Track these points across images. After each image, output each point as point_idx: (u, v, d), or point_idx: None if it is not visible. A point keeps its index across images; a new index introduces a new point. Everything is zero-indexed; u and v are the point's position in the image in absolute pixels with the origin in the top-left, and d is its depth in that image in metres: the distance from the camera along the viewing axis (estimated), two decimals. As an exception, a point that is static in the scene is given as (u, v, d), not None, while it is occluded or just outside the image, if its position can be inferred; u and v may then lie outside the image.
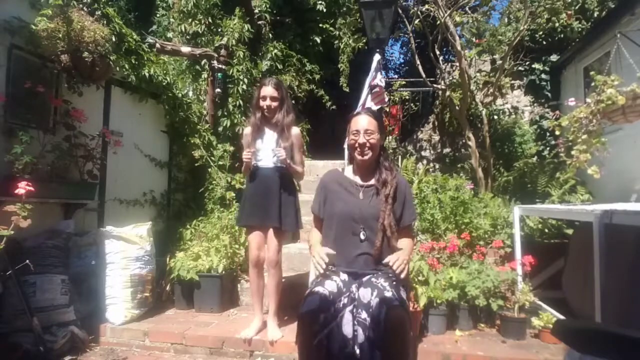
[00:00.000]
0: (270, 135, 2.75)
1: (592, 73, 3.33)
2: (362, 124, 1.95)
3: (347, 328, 1.67)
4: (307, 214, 4.46)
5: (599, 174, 3.13)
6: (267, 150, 2.72)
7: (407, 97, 6.81)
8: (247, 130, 2.81)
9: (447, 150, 6.45)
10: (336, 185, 2.03)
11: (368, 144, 1.93)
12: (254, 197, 2.71)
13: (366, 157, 1.95)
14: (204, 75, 4.93)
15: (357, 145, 1.95)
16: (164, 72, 3.96)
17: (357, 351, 1.63)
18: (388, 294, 1.68)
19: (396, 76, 10.95)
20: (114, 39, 3.18)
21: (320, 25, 5.59)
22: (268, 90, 2.70)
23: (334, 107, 5.46)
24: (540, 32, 5.80)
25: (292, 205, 2.74)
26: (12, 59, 2.71)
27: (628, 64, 3.31)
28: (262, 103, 2.71)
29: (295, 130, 2.80)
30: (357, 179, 2.02)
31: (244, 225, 2.88)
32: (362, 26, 4.98)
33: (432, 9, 5.08)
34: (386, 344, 1.60)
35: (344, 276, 1.86)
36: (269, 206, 2.67)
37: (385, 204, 1.89)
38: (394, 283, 1.78)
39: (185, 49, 4.47)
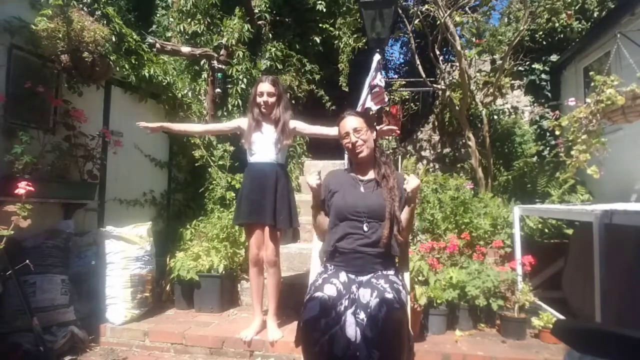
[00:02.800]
0: (268, 131, 2.72)
1: (591, 73, 3.34)
2: (349, 125, 2.01)
3: (350, 330, 1.66)
4: (307, 214, 4.47)
5: (598, 174, 3.14)
6: (264, 146, 2.70)
7: (407, 97, 6.81)
8: (243, 123, 2.79)
9: (447, 150, 6.45)
10: (339, 179, 2.07)
11: (360, 141, 1.99)
12: (250, 194, 2.68)
13: (363, 155, 2.01)
14: (204, 75, 4.94)
15: (350, 145, 2.01)
16: (164, 72, 3.96)
17: (357, 352, 1.63)
18: (389, 295, 1.68)
19: (396, 76, 10.96)
20: (114, 39, 3.18)
21: (320, 25, 5.59)
22: (265, 86, 2.68)
23: (333, 107, 5.45)
24: (540, 32, 5.80)
25: (286, 202, 2.70)
26: (12, 59, 2.71)
27: (628, 64, 3.31)
28: (259, 99, 2.69)
29: (293, 123, 2.76)
30: (358, 175, 2.06)
31: (241, 223, 2.87)
32: (362, 26, 4.98)
33: (432, 9, 5.08)
34: (382, 344, 1.60)
35: (344, 277, 1.86)
36: (265, 203, 2.64)
37: (390, 194, 1.91)
38: (395, 285, 1.78)
39: (185, 49, 4.47)
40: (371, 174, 2.04)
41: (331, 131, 2.60)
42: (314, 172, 1.99)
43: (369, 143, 2.02)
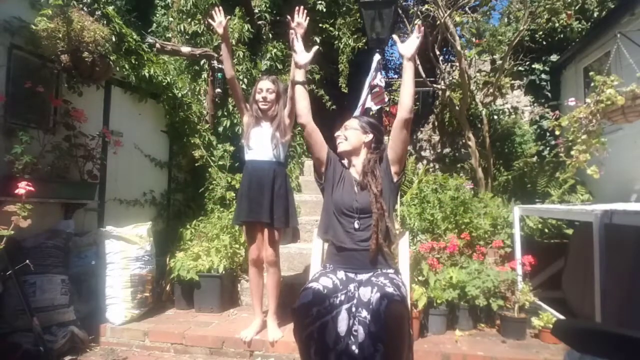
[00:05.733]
0: (266, 128, 2.73)
1: (591, 73, 3.34)
2: (346, 122, 2.14)
3: (342, 325, 1.68)
4: (307, 214, 4.49)
5: (598, 174, 3.14)
6: (261, 143, 2.71)
7: (407, 97, 6.78)
8: (246, 118, 2.81)
9: (447, 150, 6.46)
10: (342, 170, 2.12)
11: (343, 135, 2.08)
12: (249, 193, 2.69)
13: (340, 148, 2.09)
14: (204, 75, 4.94)
15: (337, 137, 2.11)
16: (164, 72, 3.96)
17: (356, 350, 1.64)
18: (389, 289, 1.70)
19: (396, 76, 10.94)
20: (114, 39, 3.17)
21: (320, 25, 5.59)
22: (265, 83, 2.72)
23: (334, 107, 5.46)
24: (540, 32, 5.81)
25: (283, 201, 2.70)
26: (12, 59, 2.70)
27: (628, 64, 3.31)
28: (258, 96, 2.71)
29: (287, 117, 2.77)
30: (354, 175, 2.10)
31: (241, 222, 2.87)
32: (362, 26, 4.98)
33: (432, 9, 5.08)
34: (386, 337, 1.62)
35: (342, 275, 1.89)
36: (262, 201, 2.65)
37: (372, 191, 1.94)
38: (395, 281, 1.80)
39: (185, 49, 4.47)
40: (362, 174, 2.08)
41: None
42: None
43: (351, 140, 2.07)
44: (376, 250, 1.90)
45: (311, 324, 1.66)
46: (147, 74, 3.69)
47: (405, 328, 1.70)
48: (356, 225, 1.95)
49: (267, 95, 2.69)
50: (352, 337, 1.67)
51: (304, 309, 1.67)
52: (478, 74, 6.13)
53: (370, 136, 2.08)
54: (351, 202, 1.97)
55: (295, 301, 1.74)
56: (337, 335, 1.66)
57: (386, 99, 4.71)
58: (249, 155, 2.76)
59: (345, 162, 2.18)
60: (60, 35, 2.64)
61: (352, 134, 2.08)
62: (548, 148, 5.48)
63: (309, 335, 1.66)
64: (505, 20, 6.43)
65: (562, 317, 2.89)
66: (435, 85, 5.86)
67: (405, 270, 2.14)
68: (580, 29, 5.65)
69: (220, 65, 4.60)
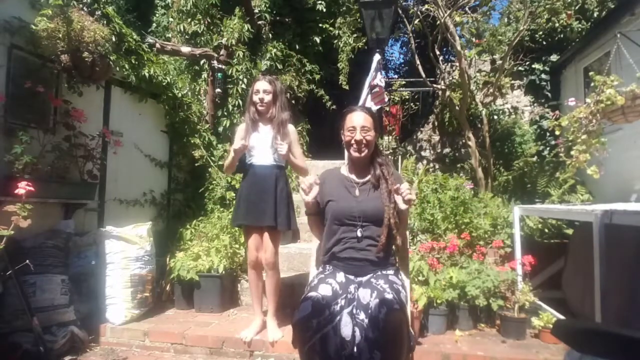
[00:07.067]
0: (265, 132, 2.70)
1: (591, 73, 3.34)
2: (358, 120, 1.92)
3: (346, 330, 1.65)
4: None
5: (598, 174, 3.14)
6: (262, 148, 2.69)
7: (407, 97, 6.81)
8: (242, 127, 2.77)
9: (447, 150, 6.45)
10: (334, 182, 2.01)
11: (364, 141, 1.91)
12: (249, 196, 2.67)
13: (362, 155, 1.93)
14: (204, 75, 4.94)
15: (353, 142, 1.93)
16: (164, 72, 3.96)
17: (355, 353, 1.63)
18: (388, 296, 1.67)
19: (396, 76, 10.95)
20: (114, 39, 3.17)
21: (320, 25, 5.59)
22: (261, 84, 2.67)
23: (334, 107, 5.46)
24: (540, 32, 5.80)
25: (285, 203, 2.69)
26: (12, 59, 2.70)
27: (628, 64, 3.31)
28: (255, 97, 2.67)
29: (291, 127, 2.76)
30: (353, 177, 2.01)
31: (240, 225, 2.86)
32: (362, 26, 4.98)
33: (432, 9, 5.08)
34: (384, 345, 1.60)
35: (341, 278, 1.85)
36: (264, 205, 2.63)
37: (389, 200, 1.86)
38: (394, 285, 1.78)
39: (185, 49, 4.47)
40: (367, 176, 1.98)
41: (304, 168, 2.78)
42: (310, 183, 1.89)
43: (372, 145, 1.95)
44: (379, 255, 1.86)
45: (312, 337, 1.62)
46: (147, 74, 3.69)
47: (404, 334, 1.67)
48: (359, 234, 1.87)
49: (265, 97, 2.65)
50: (354, 340, 1.65)
51: (304, 322, 1.62)
52: (478, 74, 6.12)
53: (376, 133, 1.99)
54: (350, 209, 1.89)
55: (295, 302, 1.72)
56: (341, 341, 1.63)
57: (386, 99, 4.71)
58: (249, 160, 2.74)
59: (343, 169, 2.08)
60: (60, 35, 2.64)
61: (372, 137, 1.93)
62: (548, 148, 5.47)
63: (311, 347, 1.62)
64: (505, 20, 6.43)
65: (562, 317, 2.89)
66: (435, 85, 5.85)
67: (405, 271, 2.14)
68: (580, 29, 5.65)
69: (220, 65, 4.61)
